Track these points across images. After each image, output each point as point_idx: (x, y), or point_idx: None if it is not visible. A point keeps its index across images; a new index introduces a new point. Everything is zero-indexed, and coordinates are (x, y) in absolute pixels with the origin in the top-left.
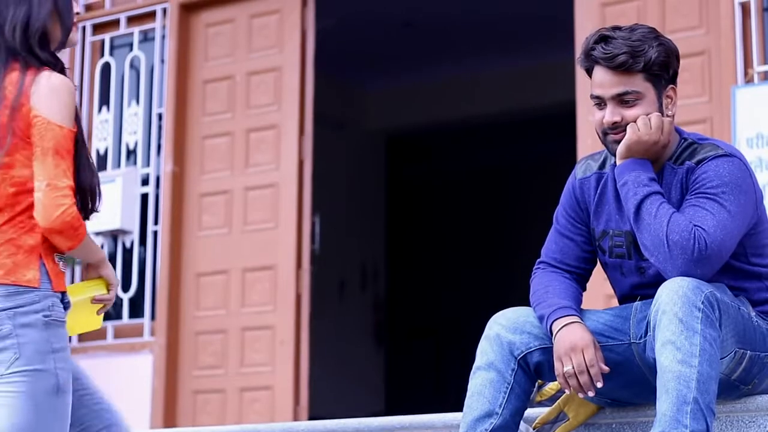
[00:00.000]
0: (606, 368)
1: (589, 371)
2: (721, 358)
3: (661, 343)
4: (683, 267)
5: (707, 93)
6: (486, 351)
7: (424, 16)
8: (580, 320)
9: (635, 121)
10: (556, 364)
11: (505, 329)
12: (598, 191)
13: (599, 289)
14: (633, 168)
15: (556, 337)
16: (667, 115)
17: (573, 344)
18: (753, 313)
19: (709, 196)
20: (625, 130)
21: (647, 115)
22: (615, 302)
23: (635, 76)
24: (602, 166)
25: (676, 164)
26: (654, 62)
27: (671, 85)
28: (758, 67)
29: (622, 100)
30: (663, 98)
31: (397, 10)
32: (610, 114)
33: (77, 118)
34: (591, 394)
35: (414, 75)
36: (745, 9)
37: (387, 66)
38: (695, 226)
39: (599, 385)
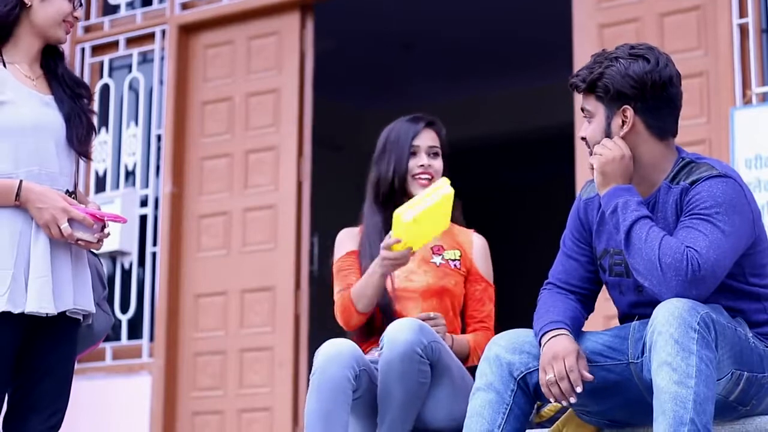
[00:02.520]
0: (589, 376)
1: (570, 377)
2: (717, 380)
3: (657, 365)
4: (677, 288)
5: (706, 114)
6: (485, 372)
7: (423, 39)
8: (567, 333)
9: (592, 144)
10: (540, 374)
11: (504, 350)
12: (600, 211)
13: (598, 311)
14: (619, 194)
15: (542, 349)
16: (621, 137)
17: (555, 353)
18: (750, 335)
19: (702, 217)
20: (590, 147)
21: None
22: (614, 323)
23: (589, 95)
24: None
25: (672, 183)
26: (596, 84)
27: (625, 106)
28: (756, 89)
29: (585, 116)
30: (613, 118)
31: (397, 32)
32: (582, 129)
33: None
34: (572, 400)
35: (413, 97)
36: (744, 30)
37: (386, 88)
38: (687, 247)
39: (578, 389)
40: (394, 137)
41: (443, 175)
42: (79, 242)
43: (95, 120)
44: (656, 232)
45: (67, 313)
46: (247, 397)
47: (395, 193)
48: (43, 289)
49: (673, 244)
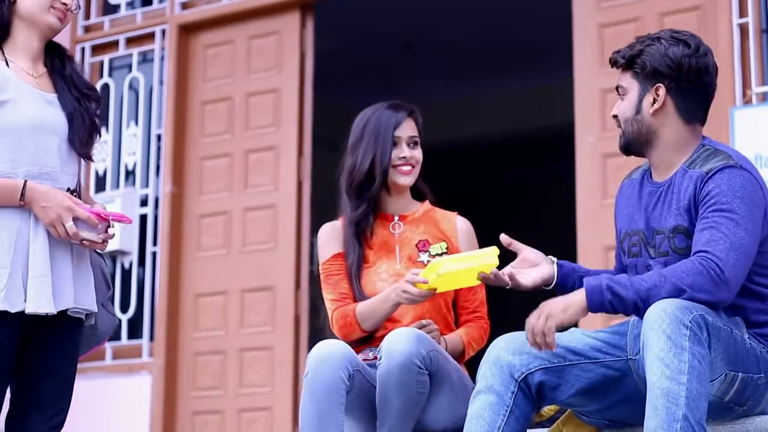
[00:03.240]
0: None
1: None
2: (711, 381)
3: (649, 360)
4: (708, 296)
5: None
6: (486, 374)
7: (423, 38)
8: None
9: (623, 121)
10: None
11: (504, 351)
12: (624, 194)
13: None
14: (594, 284)
15: None
16: (650, 114)
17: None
18: (746, 336)
19: (725, 214)
20: (620, 125)
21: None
22: (615, 322)
23: (626, 72)
24: (637, 174)
25: (689, 168)
26: (634, 60)
27: (659, 84)
28: (756, 89)
29: (619, 93)
30: (645, 95)
31: (397, 32)
32: (614, 108)
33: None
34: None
35: (413, 96)
36: (744, 30)
37: (386, 87)
38: (698, 253)
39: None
40: (373, 126)
41: (421, 163)
42: (84, 242)
43: (99, 123)
44: (651, 272)
45: (69, 313)
46: (247, 396)
47: (372, 184)
48: (42, 289)
49: (679, 266)
